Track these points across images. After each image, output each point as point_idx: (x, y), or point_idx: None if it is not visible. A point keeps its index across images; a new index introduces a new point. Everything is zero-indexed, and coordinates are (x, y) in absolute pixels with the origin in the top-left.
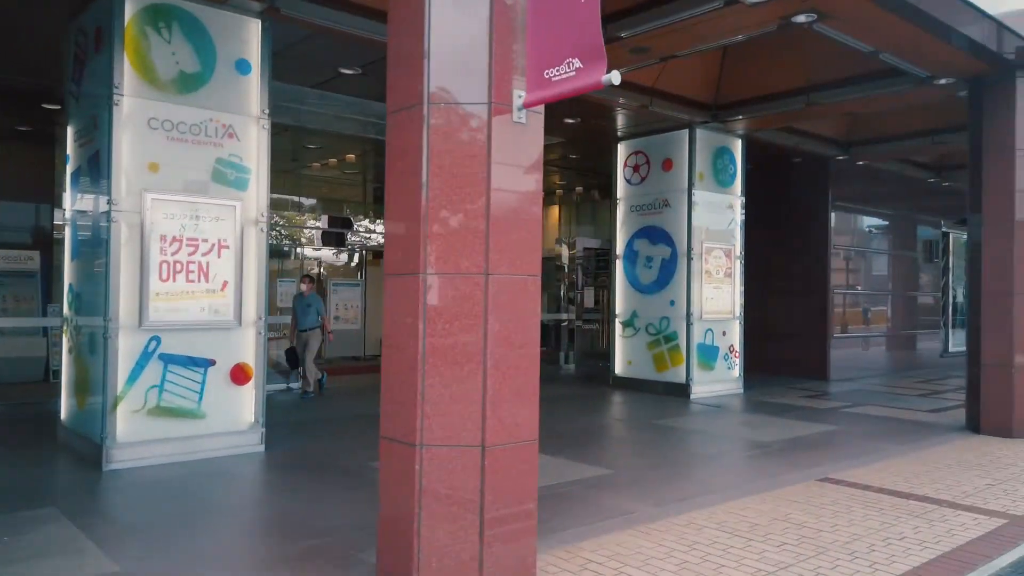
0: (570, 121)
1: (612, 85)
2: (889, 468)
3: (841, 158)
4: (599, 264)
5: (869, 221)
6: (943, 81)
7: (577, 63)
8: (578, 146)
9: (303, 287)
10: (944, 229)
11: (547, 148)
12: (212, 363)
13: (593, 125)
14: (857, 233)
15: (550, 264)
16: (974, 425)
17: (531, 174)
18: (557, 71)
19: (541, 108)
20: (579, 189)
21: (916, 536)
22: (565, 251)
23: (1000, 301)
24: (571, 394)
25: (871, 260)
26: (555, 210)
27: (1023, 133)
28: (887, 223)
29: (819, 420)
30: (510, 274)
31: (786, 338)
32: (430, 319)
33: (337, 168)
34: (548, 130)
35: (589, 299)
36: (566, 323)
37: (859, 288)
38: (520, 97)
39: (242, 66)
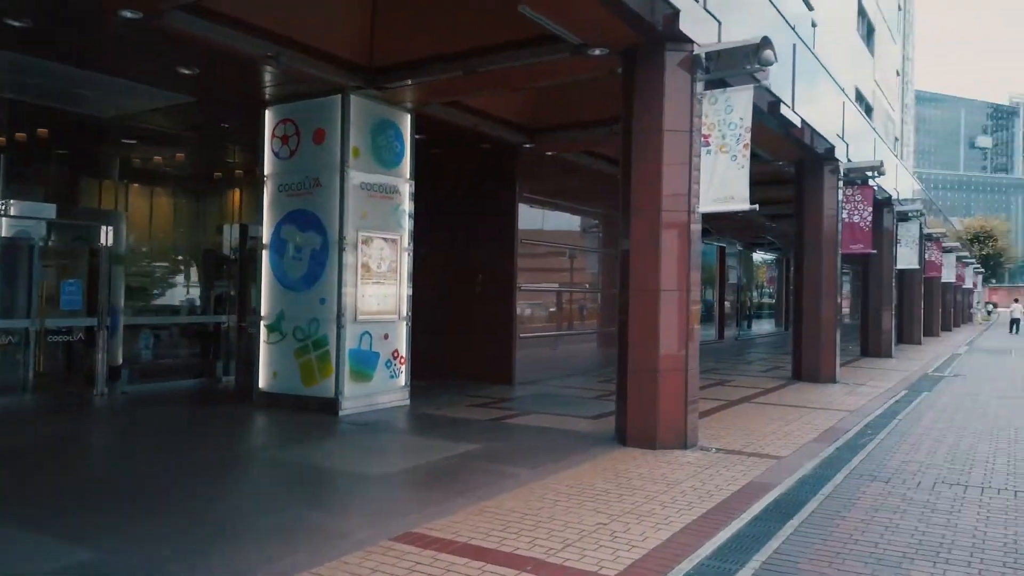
0: (186, 72)
1: None
2: (502, 506)
3: (528, 146)
4: None
5: (565, 216)
6: (597, 52)
7: None
8: (225, 112)
9: None
10: None
11: (178, 112)
12: None
13: (226, 83)
14: (551, 227)
15: (212, 256)
16: (622, 436)
17: None
18: None
19: None
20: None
21: None
22: (230, 240)
23: (646, 300)
24: (198, 417)
25: (566, 256)
26: (228, 192)
27: (673, 114)
28: (584, 218)
29: (469, 437)
30: None
31: (470, 340)
32: None
33: None
34: (165, 84)
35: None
36: (225, 326)
37: (552, 285)
38: None
39: None
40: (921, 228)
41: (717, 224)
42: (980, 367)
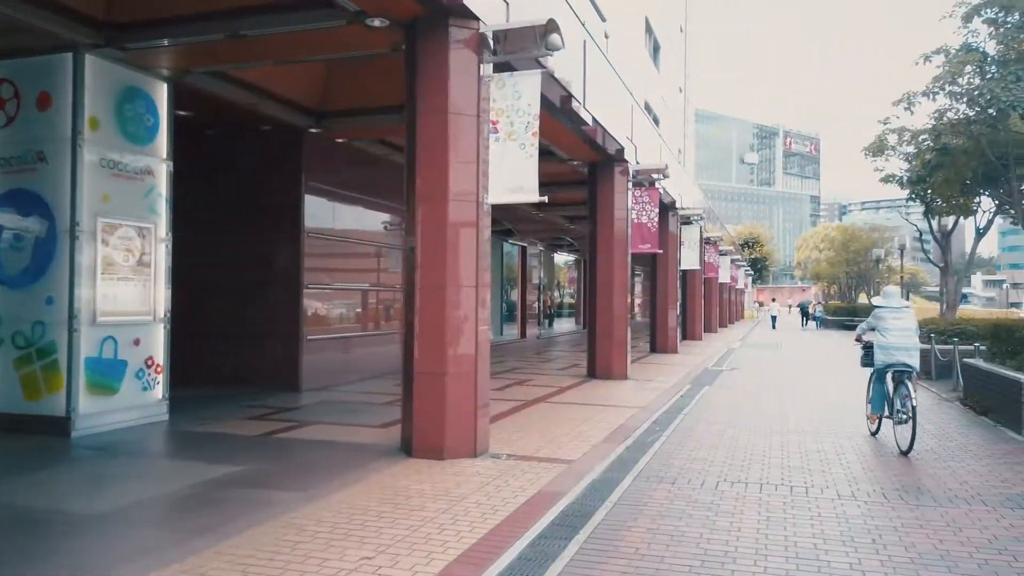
0: None
1: None
2: (252, 543)
3: (315, 131)
4: None
5: (361, 210)
6: (377, 22)
7: None
8: None
9: None
10: None
11: None
12: None
13: None
14: (346, 222)
15: None
16: (408, 447)
17: None
18: None
19: None
20: None
21: None
22: None
23: (433, 298)
24: None
25: (363, 253)
26: None
27: (459, 96)
28: (382, 213)
29: (233, 457)
30: None
31: (250, 343)
32: None
33: None
34: None
35: None
36: None
37: (348, 284)
38: None
39: None
40: (702, 232)
41: (520, 226)
42: (753, 361)
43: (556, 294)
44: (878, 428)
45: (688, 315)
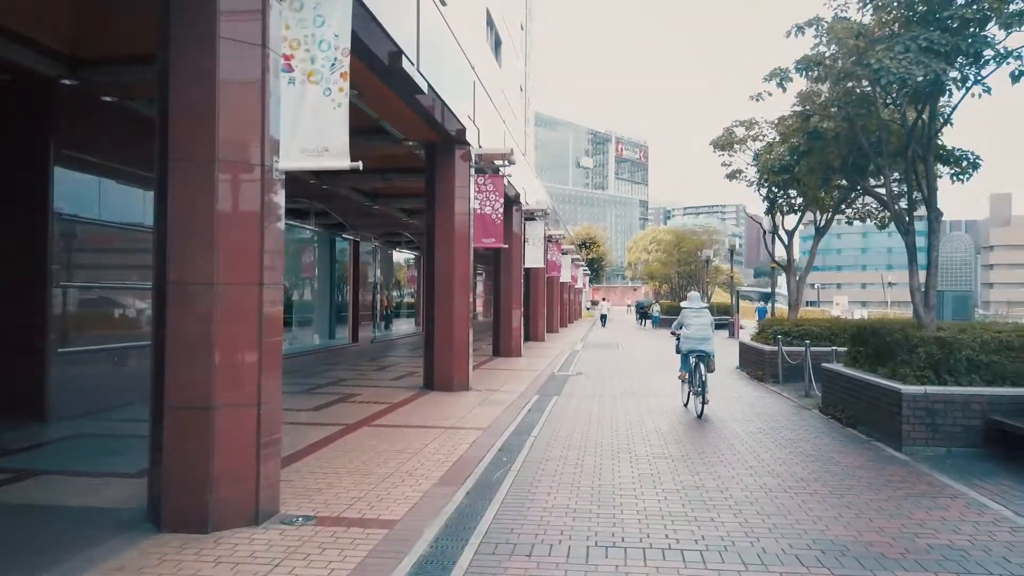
0: None
1: None
2: None
3: (69, 83)
4: None
5: (140, 191)
6: None
7: None
8: None
9: None
10: None
11: None
12: None
13: None
14: (119, 203)
15: None
16: (155, 514)
17: None
18: None
19: None
20: None
21: None
22: None
23: (193, 298)
24: None
25: (143, 242)
26: None
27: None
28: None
29: None
30: None
31: None
32: None
33: None
34: None
35: None
36: None
37: (126, 281)
38: None
39: None
40: (545, 229)
41: (353, 219)
42: (596, 363)
43: (395, 294)
44: (696, 406)
45: (531, 315)
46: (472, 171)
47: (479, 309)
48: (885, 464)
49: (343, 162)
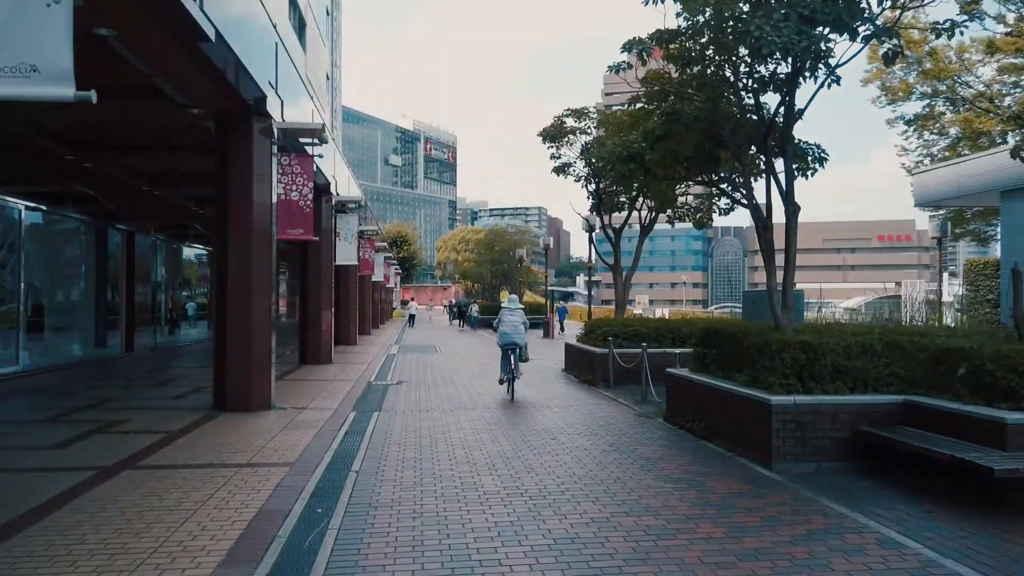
0: None
1: None
2: None
3: None
4: None
5: None
6: None
7: None
8: None
9: None
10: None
11: None
12: None
13: None
14: None
15: None
16: None
17: None
18: None
19: None
20: None
21: None
22: None
23: None
24: None
25: None
26: None
27: None
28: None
29: None
30: None
31: None
32: None
33: None
34: None
35: None
36: None
37: None
38: None
39: None
40: (359, 224)
41: (127, 207)
42: (416, 369)
43: (184, 294)
44: (509, 391)
45: (342, 317)
46: (274, 149)
47: (283, 310)
48: (763, 488)
49: (67, 91)
